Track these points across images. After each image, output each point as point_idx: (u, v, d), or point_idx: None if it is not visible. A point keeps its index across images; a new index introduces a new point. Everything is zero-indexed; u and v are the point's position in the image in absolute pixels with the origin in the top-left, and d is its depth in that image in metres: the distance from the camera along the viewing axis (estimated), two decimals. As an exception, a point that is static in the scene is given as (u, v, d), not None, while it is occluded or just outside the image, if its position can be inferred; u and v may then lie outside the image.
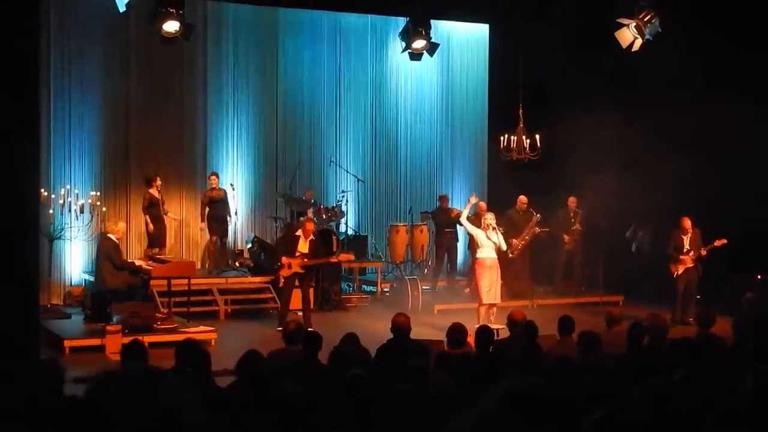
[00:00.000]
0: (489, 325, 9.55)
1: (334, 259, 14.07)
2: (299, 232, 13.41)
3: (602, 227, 15.60)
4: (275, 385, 4.89)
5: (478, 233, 12.85)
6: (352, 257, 15.17)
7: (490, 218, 13.00)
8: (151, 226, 15.17)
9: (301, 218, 14.78)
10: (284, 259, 13.24)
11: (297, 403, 4.74)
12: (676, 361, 6.30)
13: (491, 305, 12.76)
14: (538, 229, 15.57)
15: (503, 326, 9.72)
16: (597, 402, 4.85)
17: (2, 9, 7.70)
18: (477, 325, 11.93)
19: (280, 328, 12.76)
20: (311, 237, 13.33)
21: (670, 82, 14.70)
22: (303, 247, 13.24)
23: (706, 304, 12.21)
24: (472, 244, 13.39)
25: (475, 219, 15.93)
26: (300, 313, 13.49)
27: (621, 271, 15.49)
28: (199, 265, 15.98)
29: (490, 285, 12.70)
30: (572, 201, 16.36)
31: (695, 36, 13.75)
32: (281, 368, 6.29)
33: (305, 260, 13.20)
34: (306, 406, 4.82)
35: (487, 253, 12.76)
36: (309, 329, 8.19)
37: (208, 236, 16.14)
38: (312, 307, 14.62)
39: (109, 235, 13.21)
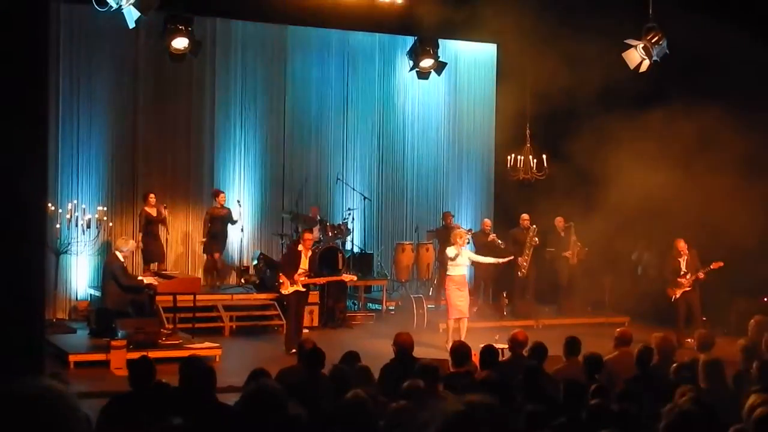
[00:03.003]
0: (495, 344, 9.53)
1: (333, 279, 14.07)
2: (300, 247, 13.27)
3: (609, 248, 15.57)
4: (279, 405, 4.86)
5: (455, 253, 13.06)
6: (354, 278, 15.06)
7: (462, 235, 13.30)
8: (142, 243, 15.23)
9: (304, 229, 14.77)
10: (281, 276, 13.17)
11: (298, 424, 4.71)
12: (681, 385, 6.26)
13: (458, 319, 13.04)
14: (536, 240, 15.57)
15: (506, 346, 9.69)
16: (606, 424, 4.83)
17: (10, 24, 7.74)
18: (447, 341, 12.25)
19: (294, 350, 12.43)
20: (310, 252, 13.24)
21: (675, 98, 14.69)
22: (305, 263, 13.11)
23: (711, 327, 12.21)
24: (443, 260, 13.72)
25: (482, 235, 16.10)
26: (305, 330, 13.49)
27: (627, 292, 15.46)
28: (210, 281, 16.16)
29: (459, 300, 13.02)
30: (559, 221, 16.37)
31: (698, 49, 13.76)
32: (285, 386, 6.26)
33: (306, 278, 13.09)
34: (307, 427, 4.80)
35: (458, 270, 13.11)
36: (312, 346, 8.13)
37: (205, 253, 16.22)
38: (316, 324, 14.64)
39: (116, 253, 13.09)
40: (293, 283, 13.00)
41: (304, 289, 13.15)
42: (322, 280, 13.72)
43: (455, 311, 13.06)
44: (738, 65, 14.21)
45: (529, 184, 16.61)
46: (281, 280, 13.14)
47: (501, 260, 14.13)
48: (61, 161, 15.41)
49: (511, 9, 14.67)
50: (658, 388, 6.75)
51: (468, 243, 13.91)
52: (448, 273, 13.24)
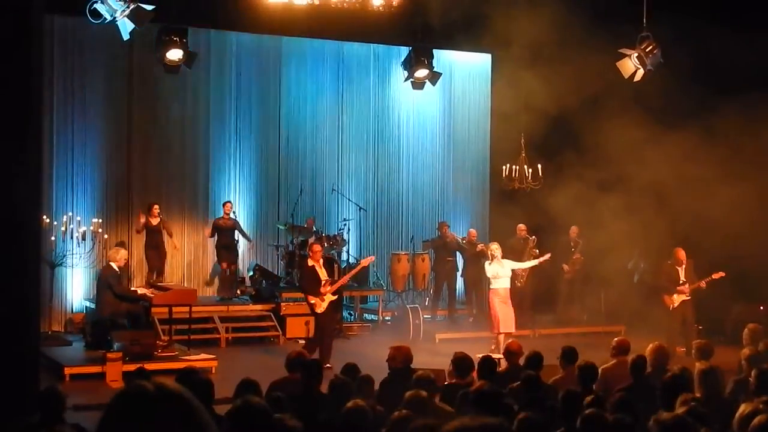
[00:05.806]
0: (492, 355, 9.52)
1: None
2: (311, 262, 12.75)
3: (604, 258, 15.57)
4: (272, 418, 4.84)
5: (497, 269, 13.12)
6: (373, 258, 14.98)
7: (495, 248, 13.29)
8: (143, 253, 15.21)
9: (309, 241, 14.66)
10: (311, 298, 12.49)
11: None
12: (676, 394, 6.25)
13: (507, 334, 12.84)
14: (536, 251, 15.55)
15: (502, 356, 9.70)
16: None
17: (5, 36, 7.74)
18: (501, 355, 12.14)
19: (329, 365, 11.36)
20: (321, 259, 12.79)
21: (674, 108, 14.71)
22: (323, 273, 12.60)
23: (707, 335, 12.20)
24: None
25: (469, 246, 16.14)
26: (300, 341, 13.43)
27: (623, 301, 15.46)
28: (208, 292, 16.09)
29: (505, 314, 13.00)
30: (573, 230, 16.40)
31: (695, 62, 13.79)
32: (281, 398, 6.24)
33: (331, 285, 12.55)
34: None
35: (501, 283, 13.10)
36: (310, 358, 8.12)
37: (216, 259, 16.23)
38: (312, 335, 14.51)
39: (111, 263, 13.08)
40: (323, 298, 12.43)
41: (335, 297, 12.74)
42: (345, 279, 13.27)
43: (503, 325, 12.94)
44: (737, 70, 14.24)
45: (525, 194, 16.62)
46: (312, 302, 12.47)
47: (541, 259, 14.06)
48: (55, 174, 15.40)
49: (506, 19, 14.70)
50: (653, 397, 6.74)
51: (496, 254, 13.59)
52: (491, 287, 13.25)
